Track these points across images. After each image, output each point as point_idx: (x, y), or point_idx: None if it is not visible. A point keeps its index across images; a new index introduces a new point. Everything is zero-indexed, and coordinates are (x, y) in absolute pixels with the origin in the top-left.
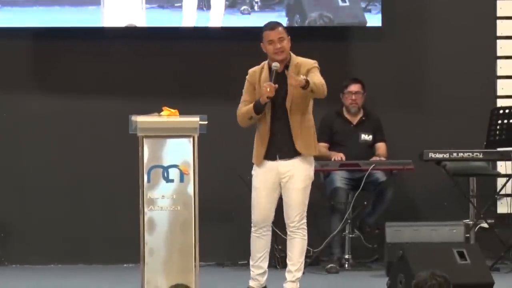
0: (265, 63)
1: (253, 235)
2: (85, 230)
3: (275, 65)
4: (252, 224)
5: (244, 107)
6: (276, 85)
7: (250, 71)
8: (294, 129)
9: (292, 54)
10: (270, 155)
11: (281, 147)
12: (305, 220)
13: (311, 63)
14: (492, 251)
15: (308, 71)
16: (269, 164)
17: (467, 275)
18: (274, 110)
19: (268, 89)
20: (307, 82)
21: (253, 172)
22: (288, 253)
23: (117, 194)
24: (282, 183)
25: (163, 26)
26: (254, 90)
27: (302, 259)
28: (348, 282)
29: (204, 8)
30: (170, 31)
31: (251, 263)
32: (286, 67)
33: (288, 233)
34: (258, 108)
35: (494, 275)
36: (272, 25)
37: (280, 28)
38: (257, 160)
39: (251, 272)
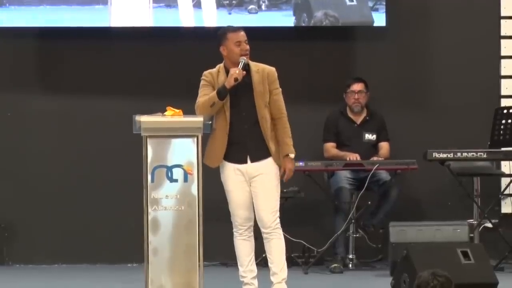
0: (220, 66)
1: (238, 239)
2: (90, 230)
3: (243, 58)
4: (234, 229)
5: (205, 96)
6: (244, 72)
7: (206, 72)
8: (265, 133)
9: None
10: (237, 158)
11: (251, 150)
12: (278, 220)
13: (273, 72)
14: (496, 251)
15: (271, 86)
16: (238, 166)
17: (471, 275)
18: (238, 113)
19: (237, 71)
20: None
21: (222, 177)
22: (269, 256)
23: (121, 193)
24: (252, 183)
25: (169, 26)
26: (213, 89)
27: (284, 259)
28: (352, 282)
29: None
30: (175, 31)
31: (241, 269)
32: (246, 71)
33: (264, 236)
34: (222, 93)
35: (498, 274)
36: (238, 28)
37: (244, 32)
38: (215, 163)
39: (243, 279)
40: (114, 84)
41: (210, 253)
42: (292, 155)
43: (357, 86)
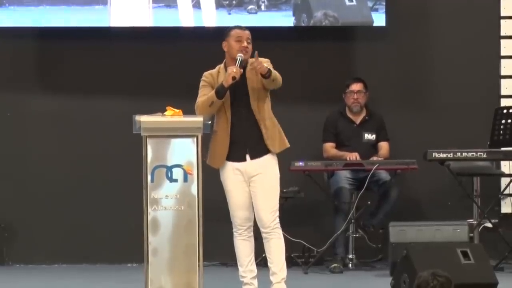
0: (220, 66)
1: (238, 239)
2: (90, 230)
3: (240, 55)
4: (234, 229)
5: (204, 96)
6: (241, 70)
7: (206, 73)
8: (263, 128)
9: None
10: (236, 157)
11: (250, 147)
12: (278, 220)
13: (265, 60)
14: (496, 251)
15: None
16: (237, 165)
17: (471, 275)
18: (238, 112)
19: (234, 70)
20: (269, 70)
21: (222, 177)
22: (268, 256)
23: (121, 193)
24: (252, 183)
25: (168, 26)
26: (213, 90)
27: (283, 259)
28: (352, 282)
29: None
30: (175, 31)
31: (240, 269)
32: (244, 68)
33: (264, 235)
34: (221, 92)
35: (498, 275)
36: (243, 27)
37: (248, 32)
38: (219, 163)
39: (243, 279)
40: (114, 84)
41: (210, 253)
42: (267, 65)
43: (356, 86)
